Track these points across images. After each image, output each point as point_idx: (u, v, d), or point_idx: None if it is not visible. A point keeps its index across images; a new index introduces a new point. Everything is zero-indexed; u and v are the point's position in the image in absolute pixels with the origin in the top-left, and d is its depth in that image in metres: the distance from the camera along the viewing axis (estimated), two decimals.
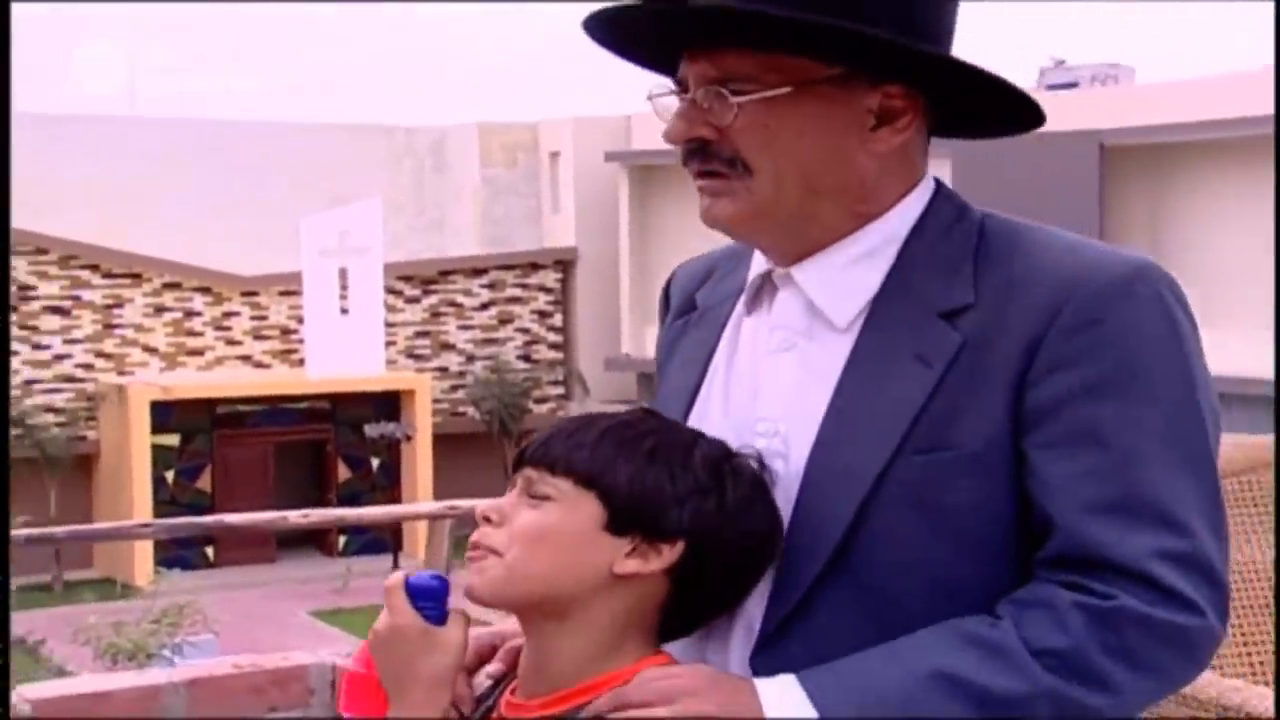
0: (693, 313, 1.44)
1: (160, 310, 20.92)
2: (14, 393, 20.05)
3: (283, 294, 21.26)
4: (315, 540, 20.20)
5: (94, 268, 20.61)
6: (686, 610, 1.28)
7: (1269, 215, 11.01)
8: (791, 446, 1.29)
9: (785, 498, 1.28)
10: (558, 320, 22.94)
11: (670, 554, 1.25)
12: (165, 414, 19.72)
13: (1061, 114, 17.73)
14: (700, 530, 1.25)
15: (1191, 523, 1.21)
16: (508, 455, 1.42)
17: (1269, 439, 3.18)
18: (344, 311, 20.30)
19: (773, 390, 1.32)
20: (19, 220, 19.10)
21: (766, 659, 1.26)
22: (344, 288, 20.33)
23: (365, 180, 21.96)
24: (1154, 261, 1.29)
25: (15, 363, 20.23)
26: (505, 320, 22.68)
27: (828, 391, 1.28)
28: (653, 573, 1.26)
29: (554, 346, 22.91)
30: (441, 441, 20.64)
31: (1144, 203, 17.88)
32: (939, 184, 1.35)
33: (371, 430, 20.27)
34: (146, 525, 4.90)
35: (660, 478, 1.26)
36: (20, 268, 20.19)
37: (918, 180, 1.33)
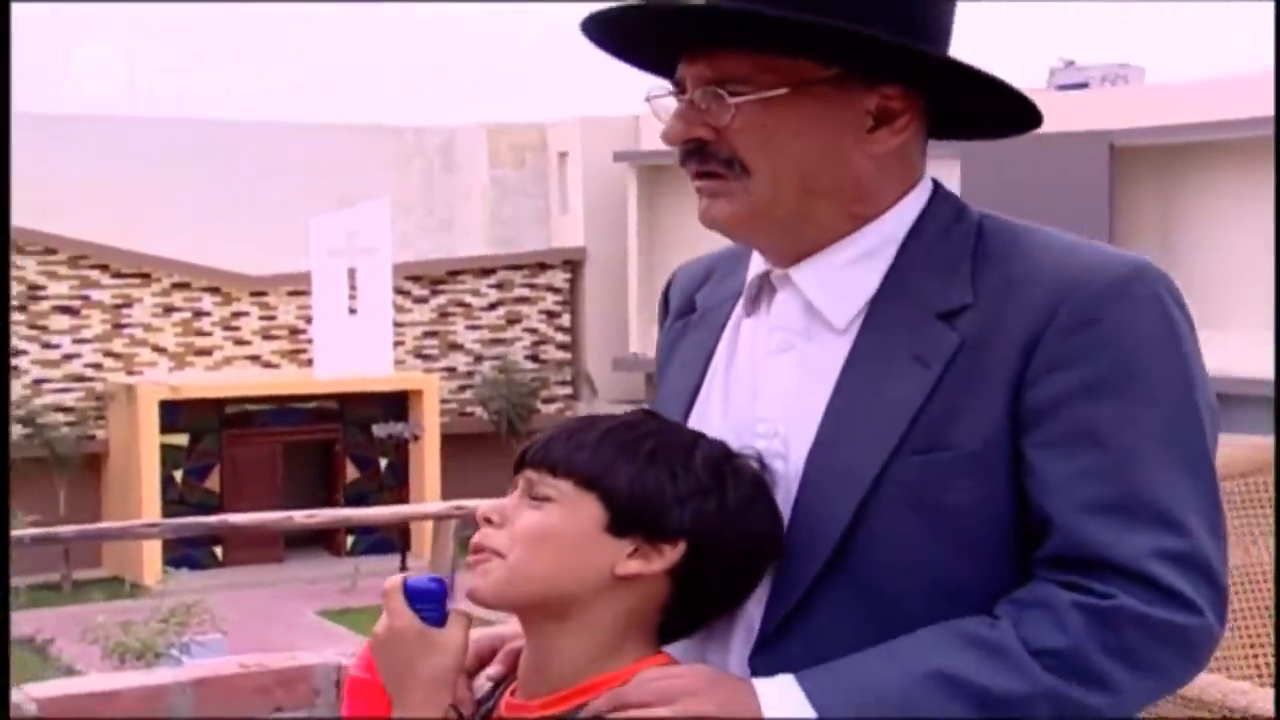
0: (692, 314, 1.44)
1: (169, 310, 20.97)
2: (24, 392, 20.11)
3: (291, 294, 21.30)
4: (323, 540, 20.23)
5: (103, 268, 20.66)
6: (687, 611, 1.29)
7: None
8: (791, 447, 1.29)
9: (785, 498, 1.29)
10: (566, 320, 22.95)
11: (672, 555, 1.26)
12: (174, 413, 19.77)
13: (1071, 114, 17.71)
14: (701, 531, 1.26)
15: (1189, 522, 1.22)
16: (515, 455, 1.43)
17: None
18: (352, 311, 20.33)
19: (772, 391, 1.32)
20: (28, 221, 19.17)
21: (766, 659, 1.26)
22: (352, 288, 20.36)
23: (374, 180, 21.98)
24: (1151, 262, 1.29)
25: (25, 362, 20.28)
26: (513, 320, 22.70)
27: (826, 392, 1.29)
28: (654, 573, 1.26)
29: (562, 347, 22.92)
30: (449, 441, 20.66)
31: (1154, 203, 17.85)
32: (937, 185, 1.35)
33: (379, 430, 20.30)
34: (153, 525, 4.91)
35: (661, 478, 1.26)
36: (29, 268, 20.25)
37: (916, 181, 1.34)
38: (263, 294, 21.40)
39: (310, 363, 21.00)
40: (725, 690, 1.21)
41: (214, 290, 21.12)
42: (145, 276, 20.83)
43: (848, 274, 1.31)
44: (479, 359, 22.37)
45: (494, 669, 1.37)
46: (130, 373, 20.60)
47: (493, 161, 23.30)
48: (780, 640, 1.26)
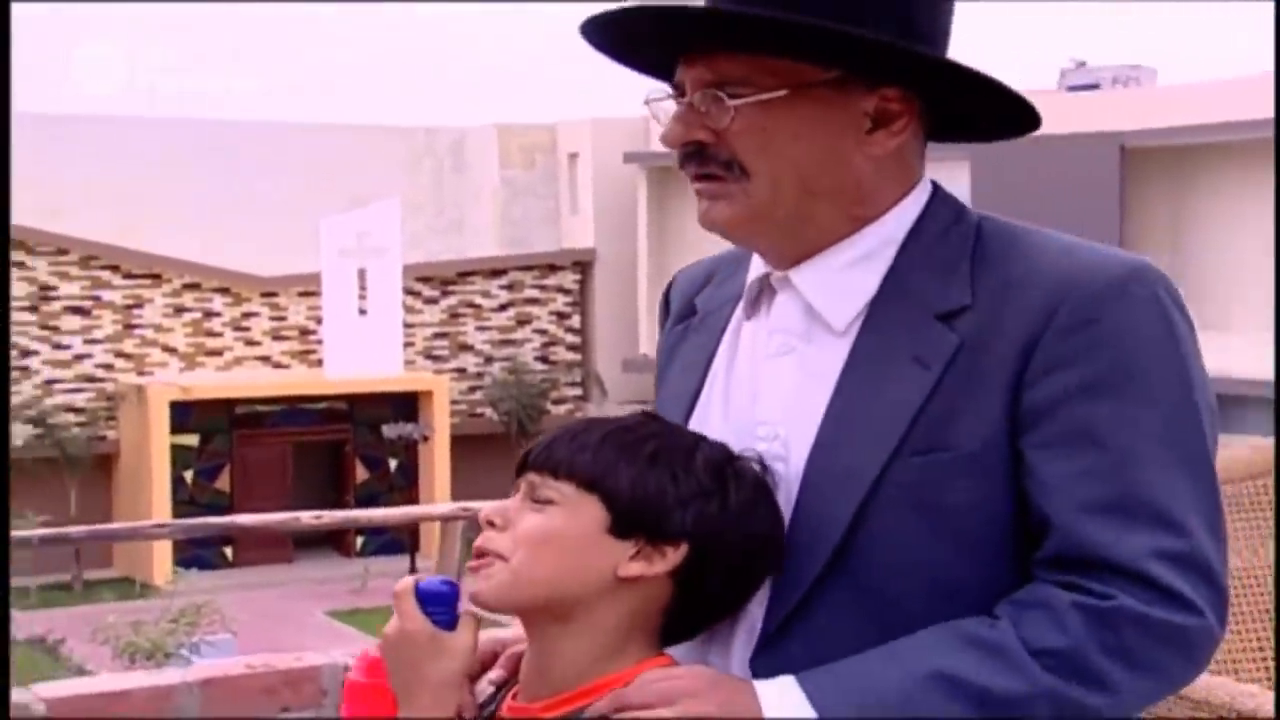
0: (693, 317, 1.45)
1: (180, 311, 21.02)
2: (35, 392, 20.17)
3: (302, 295, 21.34)
4: (333, 541, 20.26)
5: (114, 268, 20.71)
6: (690, 612, 1.29)
7: None
8: (791, 449, 1.29)
9: (786, 500, 1.29)
10: (576, 321, 22.96)
11: (674, 556, 1.26)
12: (184, 414, 19.81)
13: (1082, 115, 17.68)
14: (703, 533, 1.26)
15: (1189, 522, 1.22)
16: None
17: None
18: (362, 312, 20.36)
19: (772, 394, 1.33)
20: (38, 221, 19.22)
21: (767, 660, 1.26)
22: (363, 288, 20.40)
23: (384, 181, 22.02)
24: (1150, 262, 1.29)
25: (36, 362, 20.34)
26: (523, 321, 22.71)
27: (826, 394, 1.29)
28: (657, 575, 1.26)
29: (572, 348, 22.93)
30: (459, 442, 20.68)
31: (1165, 205, 17.82)
32: (936, 186, 1.36)
33: (389, 431, 20.33)
34: (161, 526, 4.93)
35: (662, 480, 1.26)
36: (41, 268, 20.31)
37: (915, 183, 1.34)
38: (273, 295, 21.44)
39: (320, 363, 21.04)
40: (726, 691, 1.21)
41: (224, 291, 21.17)
42: (156, 277, 20.88)
43: (847, 276, 1.31)
44: (489, 360, 22.38)
45: (496, 673, 1.37)
46: (141, 373, 20.65)
47: (503, 162, 23.33)
48: (781, 641, 1.27)
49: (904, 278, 1.30)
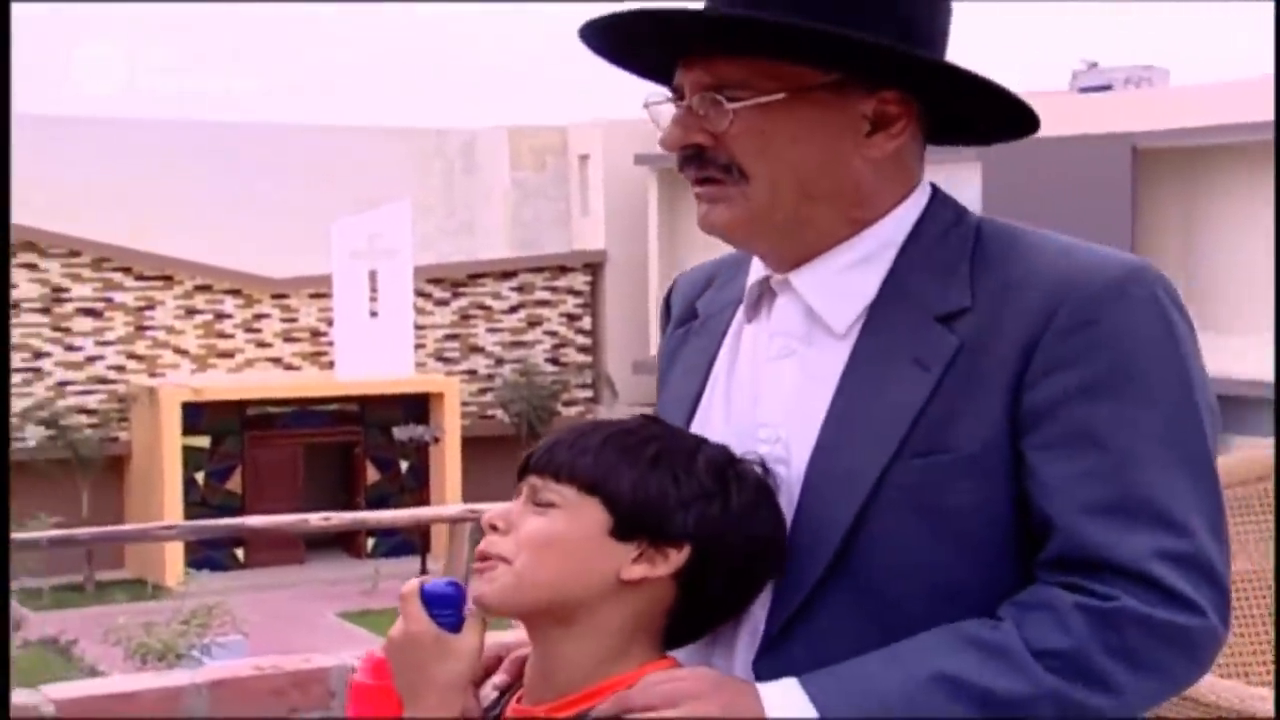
0: (694, 321, 1.45)
1: (191, 312, 21.07)
2: (47, 394, 20.24)
3: (313, 296, 21.38)
4: (344, 542, 20.29)
5: (126, 270, 20.77)
6: (693, 615, 1.29)
7: None
8: (792, 452, 1.29)
9: (787, 502, 1.29)
10: (586, 323, 22.98)
11: (677, 558, 1.26)
12: (196, 415, 19.86)
13: (1094, 116, 17.64)
14: (705, 534, 1.26)
15: (1190, 523, 1.22)
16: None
17: None
18: (373, 314, 20.40)
19: (773, 396, 1.33)
20: (41, 222, 19.27)
21: (770, 662, 1.27)
22: (374, 290, 20.43)
23: (395, 183, 22.06)
24: (1148, 263, 1.29)
25: (48, 364, 20.41)
26: (534, 323, 22.73)
27: (827, 396, 1.29)
28: (660, 577, 1.26)
29: (583, 349, 22.95)
30: (470, 444, 20.70)
31: (1176, 206, 17.77)
32: (935, 188, 1.36)
33: (400, 432, 20.36)
34: (168, 527, 4.94)
35: (664, 482, 1.26)
36: (53, 270, 20.38)
37: (914, 185, 1.34)
38: (284, 296, 21.49)
39: (331, 365, 21.08)
40: (729, 693, 1.21)
41: (236, 292, 21.21)
42: (168, 279, 20.94)
43: (847, 278, 1.31)
44: (500, 361, 22.41)
45: (500, 677, 1.37)
46: (153, 375, 20.70)
47: (514, 164, 23.35)
48: (784, 643, 1.27)
49: (904, 280, 1.30)
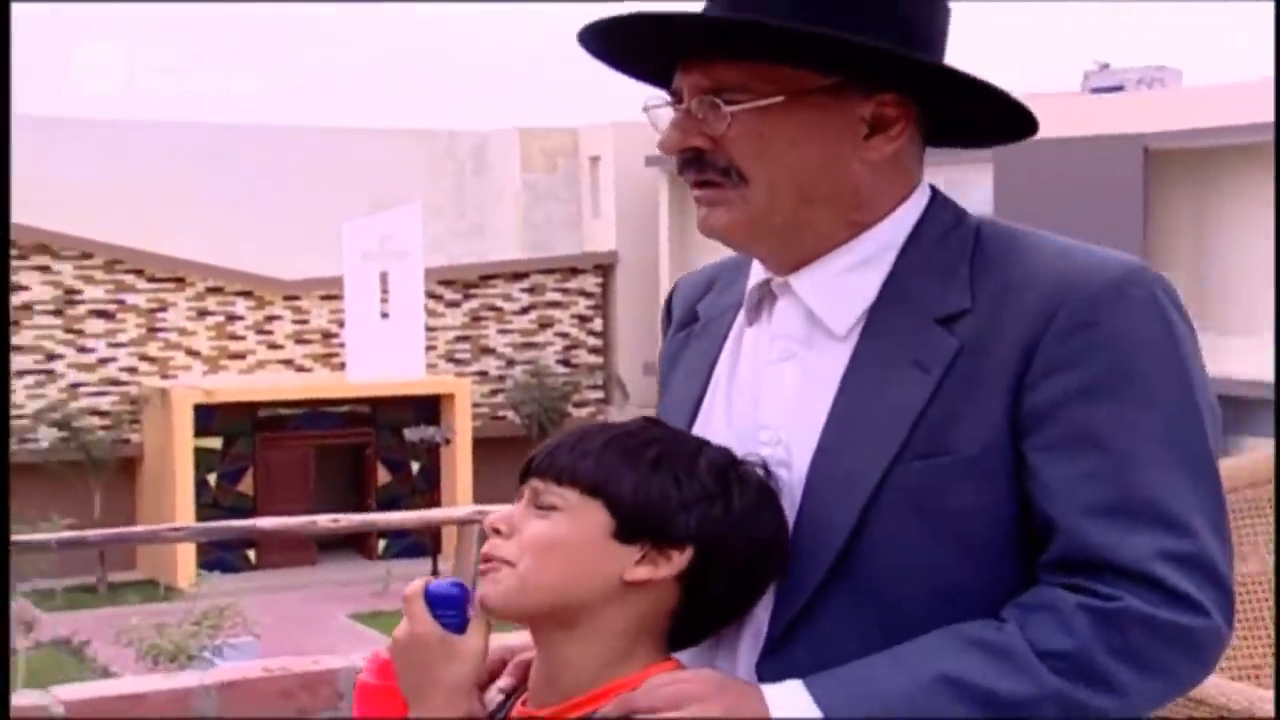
0: (694, 324, 1.45)
1: (203, 314, 21.12)
2: (60, 396, 20.30)
3: (324, 298, 21.42)
4: (356, 543, 20.33)
5: (138, 272, 20.83)
6: (696, 617, 1.29)
7: None
8: (794, 454, 1.30)
9: (789, 505, 1.29)
10: (598, 325, 22.99)
11: (680, 560, 1.26)
12: (208, 417, 19.91)
13: (1105, 117, 17.61)
14: (708, 536, 1.26)
15: (1192, 523, 1.22)
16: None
17: None
18: (384, 315, 20.43)
19: (774, 399, 1.33)
20: (60, 224, 19.33)
21: (773, 664, 1.27)
22: (385, 292, 20.47)
23: (406, 185, 22.10)
24: (1147, 264, 1.29)
25: (61, 366, 20.47)
26: (545, 324, 22.75)
27: (828, 399, 1.29)
28: (663, 579, 1.26)
29: (594, 351, 22.96)
30: (481, 445, 20.72)
31: (1188, 207, 17.73)
32: (935, 190, 1.36)
33: (411, 434, 20.39)
34: (177, 529, 4.95)
35: (666, 484, 1.26)
36: (66, 272, 20.44)
37: (913, 188, 1.34)
38: (295, 298, 21.53)
39: (343, 366, 21.12)
40: (733, 694, 1.21)
41: (247, 294, 21.26)
42: (179, 281, 20.99)
43: (847, 281, 1.31)
44: (510, 363, 22.43)
45: (505, 681, 1.37)
46: (165, 376, 20.76)
47: (524, 166, 23.38)
48: (786, 646, 1.27)
49: (903, 282, 1.30)
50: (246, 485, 20.23)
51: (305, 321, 21.65)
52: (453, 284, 22.26)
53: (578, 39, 1.32)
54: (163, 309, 20.95)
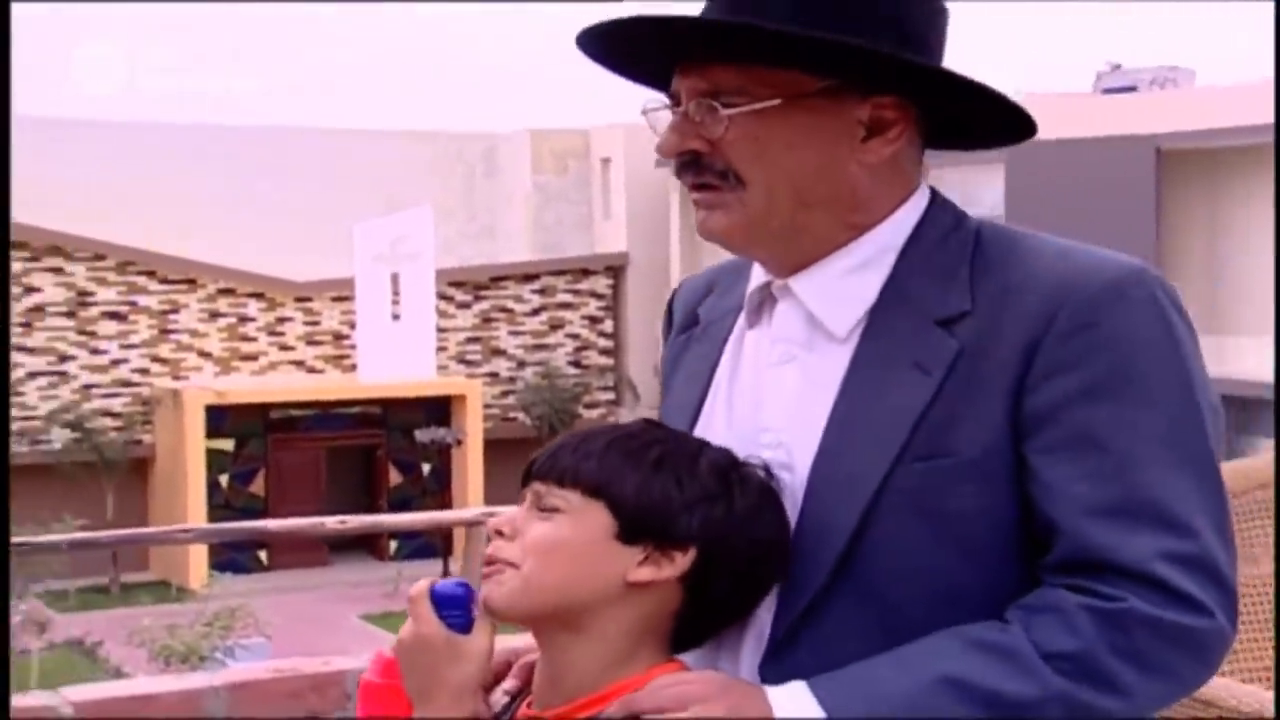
0: (695, 327, 1.46)
1: (215, 315, 21.18)
2: (73, 397, 20.37)
3: (335, 300, 21.47)
4: (367, 544, 20.36)
5: (150, 273, 20.89)
6: (699, 618, 1.29)
7: None
8: (795, 457, 1.30)
9: (791, 507, 1.29)
10: (608, 326, 23.01)
11: (683, 561, 1.26)
12: (219, 418, 19.96)
13: (1118, 118, 17.58)
14: (710, 537, 1.26)
15: (1195, 523, 1.22)
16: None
17: None
18: (396, 317, 20.47)
19: (775, 402, 1.33)
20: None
21: (775, 666, 1.27)
22: (396, 293, 20.51)
23: (417, 187, 22.15)
24: (1147, 265, 1.29)
25: (74, 367, 20.54)
26: (556, 326, 22.77)
27: (829, 401, 1.29)
28: (666, 580, 1.26)
29: (605, 352, 22.98)
30: (492, 447, 20.75)
31: (1201, 207, 17.70)
32: (934, 193, 1.36)
33: (422, 435, 20.42)
34: (187, 531, 4.98)
35: (667, 485, 1.26)
36: (79, 274, 20.51)
37: (912, 190, 1.34)
38: (307, 300, 21.58)
39: (354, 368, 21.16)
40: (737, 695, 1.21)
41: (259, 296, 21.31)
42: (191, 282, 21.05)
43: (846, 283, 1.31)
44: (521, 364, 22.46)
45: (509, 683, 1.38)
46: (176, 378, 20.82)
47: (535, 167, 23.41)
48: (789, 648, 1.27)
49: (903, 284, 1.30)
50: (258, 486, 20.28)
51: (317, 323, 21.69)
52: (464, 285, 22.29)
53: (576, 42, 1.32)
54: (175, 310, 21.01)
